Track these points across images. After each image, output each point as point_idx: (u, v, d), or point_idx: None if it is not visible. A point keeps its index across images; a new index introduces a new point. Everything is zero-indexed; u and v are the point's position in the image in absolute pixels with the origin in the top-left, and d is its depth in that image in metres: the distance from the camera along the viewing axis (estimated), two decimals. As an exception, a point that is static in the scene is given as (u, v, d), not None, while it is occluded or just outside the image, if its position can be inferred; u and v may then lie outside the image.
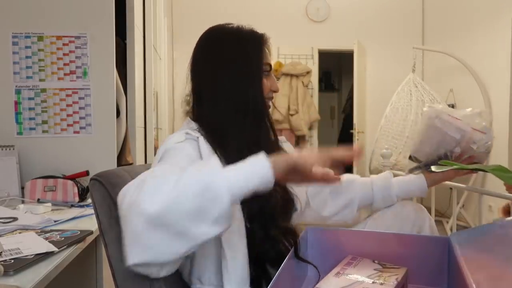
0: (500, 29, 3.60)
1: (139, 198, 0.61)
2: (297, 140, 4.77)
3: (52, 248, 0.93)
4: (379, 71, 4.94)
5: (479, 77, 3.83)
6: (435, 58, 4.61)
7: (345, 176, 1.18)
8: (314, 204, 1.12)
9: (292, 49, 4.86)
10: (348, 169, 1.33)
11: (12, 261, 0.83)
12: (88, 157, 1.74)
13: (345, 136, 5.37)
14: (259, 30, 0.98)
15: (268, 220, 0.86)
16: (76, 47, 1.74)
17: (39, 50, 1.72)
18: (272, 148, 0.91)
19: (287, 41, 4.84)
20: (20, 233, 1.09)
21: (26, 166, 1.69)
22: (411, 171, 1.30)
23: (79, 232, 1.09)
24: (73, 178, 1.63)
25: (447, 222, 3.77)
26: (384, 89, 4.51)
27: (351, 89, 5.16)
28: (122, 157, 1.96)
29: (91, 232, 1.11)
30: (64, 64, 1.74)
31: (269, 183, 0.66)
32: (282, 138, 1.07)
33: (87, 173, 1.67)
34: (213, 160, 0.66)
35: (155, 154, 1.03)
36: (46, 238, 1.02)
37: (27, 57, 1.71)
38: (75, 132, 1.75)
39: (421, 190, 1.16)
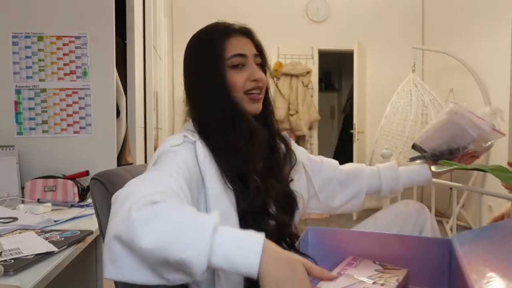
0: (500, 29, 3.61)
1: (133, 227, 0.57)
2: (297, 140, 4.77)
3: (52, 248, 0.93)
4: (379, 71, 4.94)
5: (479, 77, 3.83)
6: (435, 58, 4.61)
7: (352, 166, 1.20)
8: (322, 197, 1.12)
9: (292, 49, 4.86)
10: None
11: (12, 261, 0.83)
12: (88, 157, 1.74)
13: (345, 136, 5.37)
14: (258, 30, 0.97)
15: (264, 227, 0.86)
16: (76, 47, 1.74)
17: (39, 50, 1.72)
18: (261, 146, 0.91)
19: (287, 41, 4.85)
20: (20, 233, 1.09)
21: (26, 166, 1.69)
22: (413, 159, 1.31)
23: (79, 232, 1.09)
24: (73, 178, 1.63)
25: (447, 222, 3.77)
26: (384, 89, 4.51)
27: (351, 89, 5.16)
28: (122, 157, 1.96)
29: (91, 232, 1.11)
30: (64, 64, 1.74)
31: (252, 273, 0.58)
32: (285, 134, 1.07)
33: (87, 173, 1.67)
34: (209, 221, 0.59)
35: (155, 154, 1.03)
36: (46, 238, 1.02)
37: (27, 57, 1.71)
38: (75, 132, 1.75)
39: (426, 180, 1.21)
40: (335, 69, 7.05)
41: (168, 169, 0.76)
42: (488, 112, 1.24)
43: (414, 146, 1.34)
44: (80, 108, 1.75)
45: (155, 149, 2.63)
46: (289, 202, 0.96)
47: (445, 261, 0.87)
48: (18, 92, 1.71)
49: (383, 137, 3.92)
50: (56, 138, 1.74)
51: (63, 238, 1.03)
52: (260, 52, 0.95)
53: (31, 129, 1.72)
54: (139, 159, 2.20)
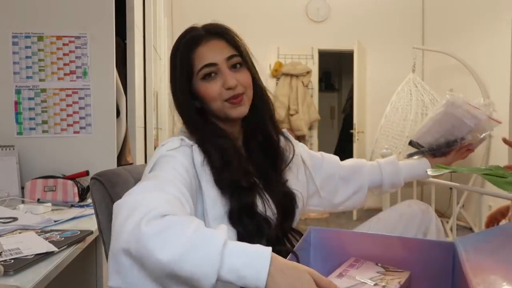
0: (500, 29, 3.61)
1: (148, 244, 0.58)
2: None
3: (52, 248, 0.93)
4: (379, 71, 4.94)
5: (479, 77, 3.83)
6: (435, 58, 4.61)
7: (353, 161, 1.20)
8: (324, 193, 1.12)
9: (292, 49, 4.86)
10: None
11: (12, 261, 0.83)
12: (88, 157, 1.74)
13: (345, 136, 5.37)
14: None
15: (262, 227, 0.86)
16: (76, 47, 1.74)
17: (39, 50, 1.72)
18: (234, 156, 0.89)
19: (287, 41, 4.85)
20: (20, 233, 1.09)
21: (26, 166, 1.69)
22: (410, 155, 1.32)
23: (79, 232, 1.09)
24: (73, 178, 1.63)
25: (447, 222, 3.77)
26: (384, 89, 4.51)
27: (351, 89, 5.16)
28: (122, 157, 1.96)
29: (91, 232, 1.11)
30: (64, 64, 1.74)
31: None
32: (284, 131, 1.06)
33: (87, 173, 1.67)
34: (218, 235, 0.60)
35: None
36: (46, 238, 1.02)
37: (27, 57, 1.71)
38: (75, 132, 1.75)
39: (427, 174, 1.20)
40: (335, 69, 7.05)
41: (169, 176, 0.76)
42: (482, 103, 1.24)
43: (411, 143, 1.35)
44: (80, 108, 1.75)
45: (155, 148, 2.63)
46: (288, 201, 0.95)
47: (448, 264, 0.86)
48: (18, 92, 1.71)
49: (383, 137, 3.92)
50: (56, 138, 1.74)
51: (63, 238, 1.03)
52: (238, 50, 0.90)
53: (31, 129, 1.72)
54: (139, 159, 2.20)
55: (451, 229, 3.39)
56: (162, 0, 3.34)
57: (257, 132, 0.95)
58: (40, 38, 1.72)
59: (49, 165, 1.70)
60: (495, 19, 3.73)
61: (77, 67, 1.74)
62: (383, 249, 0.90)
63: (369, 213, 5.13)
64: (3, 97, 1.70)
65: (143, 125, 2.44)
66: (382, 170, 1.18)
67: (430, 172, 1.07)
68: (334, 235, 0.95)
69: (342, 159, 1.20)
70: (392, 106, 3.94)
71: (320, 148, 4.92)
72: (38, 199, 1.56)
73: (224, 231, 0.61)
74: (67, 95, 1.74)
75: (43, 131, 1.73)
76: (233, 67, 0.89)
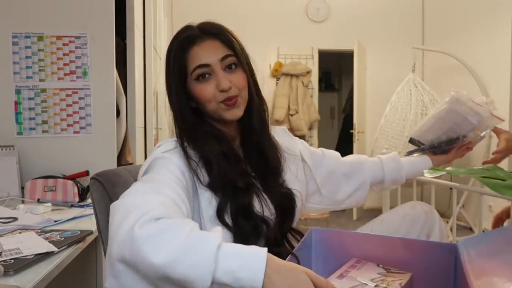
0: (500, 29, 3.61)
1: (143, 247, 0.57)
2: (297, 140, 4.76)
3: (52, 248, 0.93)
4: (379, 71, 4.93)
5: (479, 77, 3.83)
6: (435, 58, 4.61)
7: (354, 157, 1.19)
8: (326, 191, 1.11)
9: (292, 49, 4.86)
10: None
11: (12, 261, 0.83)
12: (88, 157, 1.74)
13: (345, 136, 5.37)
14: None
15: (259, 227, 0.85)
16: (76, 47, 1.74)
17: (39, 50, 1.72)
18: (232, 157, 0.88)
19: (287, 41, 4.84)
20: (20, 233, 1.09)
21: (26, 166, 1.69)
22: (410, 153, 1.32)
23: (79, 232, 1.09)
24: (73, 178, 1.63)
25: (447, 222, 3.77)
26: (384, 89, 4.51)
27: (351, 89, 5.16)
28: (122, 157, 1.96)
29: (91, 232, 1.11)
30: (64, 64, 1.74)
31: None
32: (284, 129, 1.06)
33: (87, 173, 1.67)
34: (212, 238, 0.59)
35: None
36: (46, 238, 1.02)
37: (27, 57, 1.71)
38: (75, 132, 1.75)
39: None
40: (335, 69, 7.05)
41: (165, 179, 0.76)
42: (485, 100, 1.24)
43: (411, 140, 1.34)
44: (80, 108, 1.75)
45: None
46: (287, 202, 0.95)
47: (450, 266, 0.85)
48: (18, 92, 1.71)
49: (382, 137, 3.92)
50: (56, 138, 1.74)
51: (63, 238, 1.03)
52: (233, 50, 0.88)
53: (31, 129, 1.72)
54: (139, 159, 2.20)
55: (451, 229, 3.39)
56: (162, 0, 3.34)
57: (252, 132, 0.94)
58: (40, 38, 1.72)
59: (49, 165, 1.70)
60: (495, 19, 3.73)
61: (77, 67, 1.74)
62: (384, 250, 0.89)
63: (369, 212, 5.13)
64: (3, 97, 1.70)
65: (143, 125, 2.44)
66: (384, 166, 1.18)
67: (426, 174, 1.07)
68: (335, 235, 0.94)
69: (342, 157, 1.19)
70: (392, 106, 3.94)
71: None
72: (38, 199, 1.56)
73: (219, 233, 0.61)
74: (67, 95, 1.74)
75: (43, 131, 1.73)
76: (228, 67, 0.88)
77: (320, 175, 1.10)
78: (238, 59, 0.89)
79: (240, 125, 0.95)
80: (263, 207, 0.88)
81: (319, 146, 4.73)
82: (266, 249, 0.59)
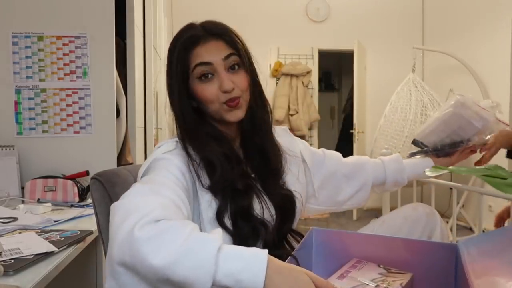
0: (500, 29, 3.61)
1: (142, 248, 0.57)
2: (297, 140, 4.76)
3: (52, 248, 0.93)
4: (379, 71, 4.94)
5: (479, 77, 3.83)
6: (435, 58, 4.61)
7: (356, 158, 1.18)
8: (323, 194, 1.10)
9: (292, 49, 4.86)
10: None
11: (12, 261, 0.83)
12: (88, 157, 1.74)
13: (345, 136, 5.37)
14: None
15: (258, 229, 0.85)
16: (76, 47, 1.74)
17: (39, 50, 1.72)
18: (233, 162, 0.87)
19: (287, 41, 4.84)
20: (20, 233, 1.09)
21: (26, 166, 1.69)
22: (413, 154, 1.31)
23: (79, 232, 1.09)
24: (73, 178, 1.63)
25: (447, 222, 3.77)
26: (384, 89, 4.51)
27: (351, 89, 5.16)
28: (122, 157, 1.96)
29: (91, 232, 1.11)
30: (64, 64, 1.74)
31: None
32: (285, 129, 1.06)
33: (87, 173, 1.67)
34: (213, 240, 0.59)
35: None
36: (46, 238, 1.02)
37: (27, 57, 1.71)
38: (75, 132, 1.75)
39: None
40: (335, 69, 7.05)
41: (165, 180, 0.76)
42: (490, 104, 1.24)
43: (414, 142, 1.34)
44: (80, 108, 1.75)
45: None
46: (288, 204, 0.94)
47: (451, 266, 0.85)
48: (18, 92, 1.71)
49: (382, 136, 3.92)
50: (56, 138, 1.74)
51: (63, 238, 1.03)
52: (237, 51, 0.87)
53: (31, 129, 1.72)
54: (139, 159, 2.20)
55: (451, 229, 3.39)
56: (162, 0, 3.34)
57: (254, 134, 0.93)
58: (40, 38, 1.72)
59: (49, 165, 1.70)
60: (495, 19, 3.73)
61: (77, 67, 1.74)
62: (385, 250, 0.89)
63: (369, 213, 5.12)
64: (3, 97, 1.70)
65: (143, 125, 2.44)
66: (385, 168, 1.17)
67: (428, 172, 1.06)
68: (336, 236, 0.94)
69: (343, 157, 1.19)
70: (392, 106, 3.94)
71: (320, 148, 4.92)
72: (38, 199, 1.56)
73: (219, 235, 0.61)
74: (67, 95, 1.74)
75: (43, 131, 1.73)
76: (231, 68, 0.87)
77: (321, 176, 1.09)
78: (241, 59, 0.88)
79: (241, 126, 0.94)
80: (264, 208, 0.87)
81: (319, 146, 4.73)
82: (266, 250, 0.59)
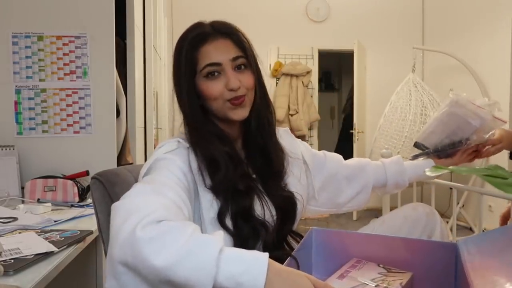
0: (500, 29, 3.61)
1: (144, 249, 0.58)
2: (297, 140, 4.75)
3: (52, 248, 0.93)
4: (379, 71, 4.94)
5: (479, 77, 3.83)
6: (435, 58, 4.61)
7: (357, 160, 1.18)
8: (324, 196, 1.10)
9: (292, 49, 4.86)
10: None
11: (12, 261, 0.83)
12: (88, 157, 1.74)
13: (345, 136, 5.37)
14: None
15: (258, 231, 0.85)
16: (76, 47, 1.74)
17: (39, 50, 1.72)
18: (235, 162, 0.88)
19: (287, 41, 4.84)
20: (20, 233, 1.09)
21: (26, 166, 1.69)
22: (415, 157, 1.31)
23: (79, 232, 1.09)
24: (73, 178, 1.63)
25: (447, 222, 3.77)
26: (384, 89, 4.51)
27: (351, 89, 5.16)
28: (122, 157, 1.97)
29: (91, 232, 1.11)
30: (64, 64, 1.74)
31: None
32: (286, 130, 1.05)
33: (87, 173, 1.67)
34: (214, 242, 0.59)
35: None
36: (46, 238, 1.02)
37: (27, 57, 1.71)
38: (75, 132, 1.75)
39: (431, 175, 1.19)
40: (335, 69, 7.05)
41: (167, 180, 0.76)
42: (487, 102, 1.24)
43: (416, 144, 1.34)
44: (80, 108, 1.75)
45: (155, 148, 2.64)
46: (289, 205, 0.94)
47: (451, 265, 0.85)
48: (18, 92, 1.71)
49: (381, 136, 3.92)
50: (56, 138, 1.74)
51: (63, 238, 1.03)
52: (244, 52, 0.89)
53: (31, 129, 1.72)
54: (139, 159, 2.20)
55: (451, 229, 3.39)
56: (162, 0, 3.34)
57: (257, 135, 0.93)
58: (40, 38, 1.72)
59: (49, 165, 1.70)
60: (495, 19, 3.73)
61: (77, 67, 1.74)
62: (385, 250, 0.89)
63: (369, 212, 5.12)
64: (3, 97, 1.70)
65: (143, 125, 2.44)
66: (386, 170, 1.17)
67: (428, 172, 1.06)
68: (336, 236, 0.94)
69: (344, 158, 1.19)
70: (391, 106, 3.94)
71: (320, 148, 4.90)
72: (38, 199, 1.56)
73: (220, 237, 0.61)
74: (67, 95, 1.74)
75: (43, 131, 1.73)
76: (238, 68, 0.88)
77: (322, 177, 1.09)
78: (248, 60, 0.89)
79: (244, 126, 0.94)
80: (264, 209, 0.87)
81: (319, 146, 4.73)
82: (267, 254, 0.59)
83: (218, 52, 0.86)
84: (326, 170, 1.10)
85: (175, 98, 0.91)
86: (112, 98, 1.79)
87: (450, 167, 1.05)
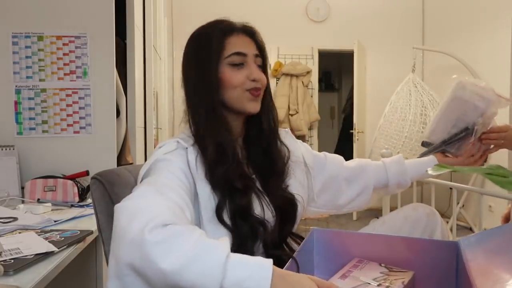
0: (500, 29, 3.61)
1: (150, 250, 0.58)
2: (297, 140, 4.76)
3: (52, 248, 0.93)
4: (379, 71, 4.94)
5: (479, 77, 3.83)
6: (435, 58, 4.61)
7: (358, 161, 1.18)
8: (324, 198, 1.10)
9: (292, 49, 4.86)
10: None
11: (12, 261, 0.83)
12: (88, 157, 1.74)
13: (345, 136, 5.37)
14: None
15: (257, 231, 0.85)
16: (76, 47, 1.74)
17: (39, 50, 1.72)
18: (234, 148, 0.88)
19: (287, 41, 4.84)
20: (20, 233, 1.09)
21: (26, 166, 1.69)
22: (423, 155, 1.29)
23: (79, 232, 1.09)
24: (73, 178, 1.63)
25: (447, 222, 3.77)
26: (384, 89, 4.51)
27: (351, 89, 5.16)
28: (122, 157, 1.96)
29: (91, 232, 1.11)
30: (64, 64, 1.74)
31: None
32: (287, 131, 1.06)
33: (87, 173, 1.67)
34: (221, 247, 0.60)
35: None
36: (46, 238, 1.02)
37: (27, 57, 1.71)
38: (75, 132, 1.75)
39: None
40: (335, 69, 7.05)
41: (168, 182, 0.76)
42: (485, 85, 1.22)
43: (423, 143, 1.32)
44: (80, 108, 1.75)
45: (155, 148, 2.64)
46: (289, 206, 0.94)
47: (452, 264, 0.85)
48: (18, 92, 1.71)
49: (381, 136, 3.92)
50: (56, 138, 1.74)
51: (63, 238, 1.03)
52: (261, 53, 0.94)
53: (31, 129, 1.72)
54: (139, 159, 2.20)
55: (451, 229, 3.39)
56: (162, 0, 3.34)
57: (261, 134, 0.94)
58: (40, 38, 1.72)
59: (49, 165, 1.70)
60: (495, 19, 3.73)
61: (77, 67, 1.74)
62: (386, 249, 0.89)
63: (369, 212, 5.12)
64: (3, 97, 1.70)
65: (143, 125, 2.44)
66: (387, 170, 1.16)
67: (430, 171, 1.06)
68: (336, 236, 0.94)
69: (344, 158, 1.18)
70: (391, 106, 3.94)
71: (320, 148, 4.92)
72: (38, 199, 1.56)
73: (226, 242, 0.62)
74: (67, 95, 1.74)
75: (43, 131, 1.73)
76: (258, 66, 0.93)
77: (322, 178, 1.09)
78: (264, 62, 0.95)
79: (247, 124, 0.95)
80: (264, 209, 0.87)
81: (319, 146, 4.72)
82: (271, 260, 0.60)
83: (245, 44, 0.91)
84: (327, 171, 1.10)
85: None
86: (112, 98, 1.79)
87: (453, 166, 1.05)
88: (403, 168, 1.17)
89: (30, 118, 1.72)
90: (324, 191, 1.10)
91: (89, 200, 1.60)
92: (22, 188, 1.62)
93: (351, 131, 4.66)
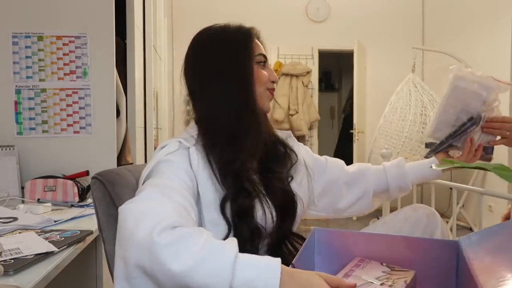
0: (500, 29, 3.61)
1: (160, 253, 0.59)
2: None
3: (52, 248, 0.93)
4: (379, 71, 4.94)
5: (479, 77, 3.83)
6: (435, 58, 4.61)
7: (358, 165, 1.17)
8: (324, 201, 1.10)
9: (292, 49, 4.86)
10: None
11: (12, 261, 0.83)
12: (88, 157, 1.74)
13: (345, 136, 5.37)
14: (257, 28, 0.97)
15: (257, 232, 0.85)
16: (76, 47, 1.74)
17: (39, 50, 1.72)
18: (265, 149, 0.91)
19: (287, 41, 4.84)
20: (20, 233, 1.09)
21: (26, 166, 1.69)
22: (430, 153, 1.27)
23: (79, 232, 1.09)
24: (73, 178, 1.63)
25: (447, 222, 3.77)
26: (384, 89, 4.51)
27: (351, 89, 5.16)
28: (122, 157, 1.97)
29: (91, 232, 1.11)
30: (64, 64, 1.74)
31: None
32: (289, 134, 1.06)
33: (87, 173, 1.67)
34: (230, 248, 0.61)
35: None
36: (46, 238, 1.02)
37: (27, 57, 1.71)
38: (75, 132, 1.75)
39: (436, 174, 1.17)
40: (335, 69, 7.05)
41: (173, 184, 0.76)
42: (482, 73, 1.21)
43: (426, 145, 1.31)
44: (80, 108, 1.75)
45: (155, 149, 2.64)
46: (289, 202, 0.94)
47: (453, 262, 0.85)
48: (18, 92, 1.71)
49: (381, 136, 3.92)
50: (56, 138, 1.74)
51: (63, 238, 1.03)
52: (266, 59, 0.98)
53: (31, 129, 1.72)
54: (139, 159, 2.20)
55: (451, 229, 3.39)
56: (162, 0, 3.34)
57: (266, 134, 0.95)
58: (40, 38, 1.72)
59: (49, 165, 1.70)
60: (495, 19, 3.73)
61: (77, 67, 1.74)
62: (387, 249, 0.89)
63: (369, 213, 5.10)
64: (3, 97, 1.70)
65: (143, 125, 2.44)
66: (387, 173, 1.15)
67: (435, 166, 1.05)
68: (338, 235, 0.94)
69: (342, 159, 1.17)
70: (391, 106, 3.94)
71: (320, 148, 4.93)
72: (38, 199, 1.56)
73: (235, 243, 0.62)
74: (67, 95, 1.74)
75: (43, 131, 1.73)
76: None
77: (322, 182, 1.09)
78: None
79: None
80: (265, 212, 0.87)
81: (319, 146, 4.72)
82: (279, 259, 0.61)
83: (262, 48, 0.96)
84: (327, 175, 1.10)
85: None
86: (112, 98, 1.79)
87: (457, 162, 1.04)
88: (402, 171, 1.15)
89: (30, 118, 1.72)
90: (324, 194, 1.10)
91: (89, 200, 1.60)
92: (22, 188, 1.62)
93: (351, 131, 4.66)
